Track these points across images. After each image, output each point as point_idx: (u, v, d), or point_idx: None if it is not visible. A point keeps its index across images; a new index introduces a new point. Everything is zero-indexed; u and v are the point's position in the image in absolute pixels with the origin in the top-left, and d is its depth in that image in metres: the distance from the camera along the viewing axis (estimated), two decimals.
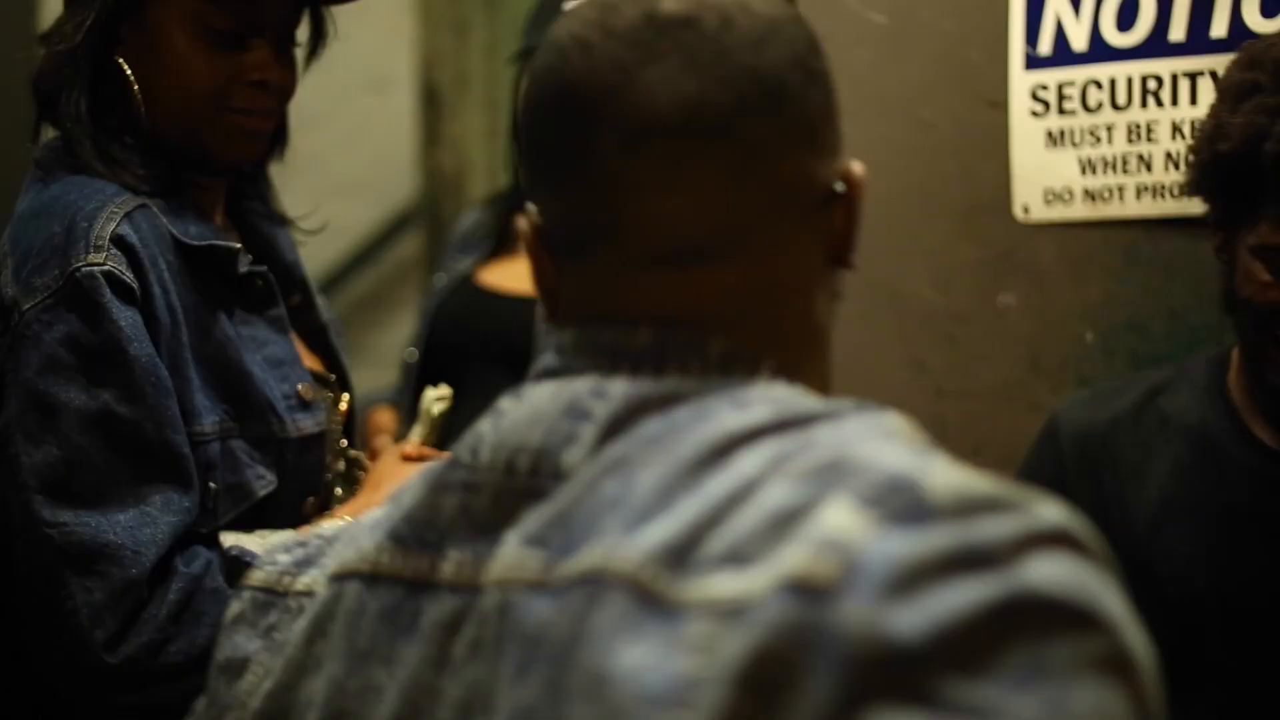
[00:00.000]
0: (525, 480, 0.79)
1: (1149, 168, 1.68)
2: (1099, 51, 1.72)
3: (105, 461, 1.34)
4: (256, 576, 0.95)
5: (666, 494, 0.72)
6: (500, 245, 2.38)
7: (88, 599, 1.31)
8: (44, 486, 1.32)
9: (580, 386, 0.80)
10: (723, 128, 0.81)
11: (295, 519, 1.50)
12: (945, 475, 0.67)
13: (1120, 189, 1.71)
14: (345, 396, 1.64)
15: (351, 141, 3.93)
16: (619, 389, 0.79)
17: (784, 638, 0.63)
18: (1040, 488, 0.70)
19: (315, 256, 3.88)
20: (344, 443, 1.63)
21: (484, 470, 0.81)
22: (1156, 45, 1.68)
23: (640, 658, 0.67)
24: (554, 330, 0.86)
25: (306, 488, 1.52)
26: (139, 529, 1.33)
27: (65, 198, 1.40)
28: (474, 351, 2.28)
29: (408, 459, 1.55)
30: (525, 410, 0.82)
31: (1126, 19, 1.70)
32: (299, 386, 1.50)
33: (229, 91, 1.46)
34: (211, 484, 1.41)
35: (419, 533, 0.81)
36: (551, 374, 0.84)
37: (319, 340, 1.66)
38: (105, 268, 1.34)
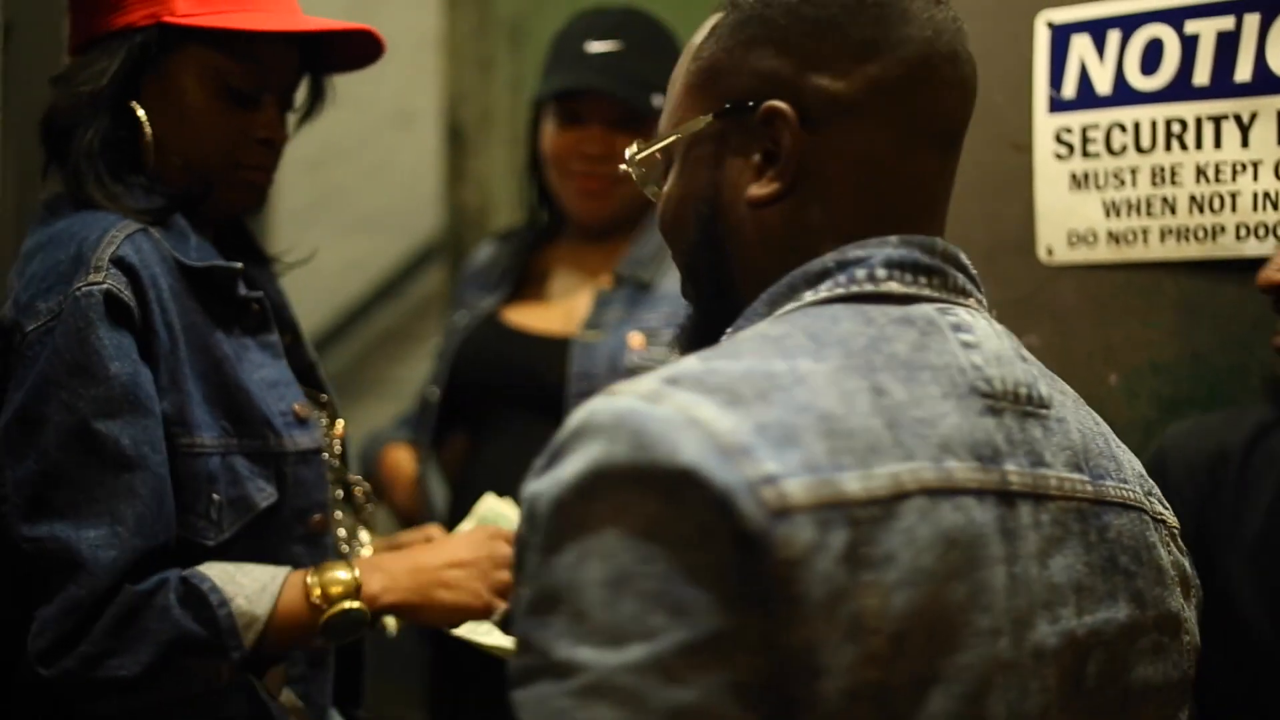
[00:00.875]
0: (1028, 407, 1.01)
1: (1173, 211, 1.68)
2: (1123, 95, 1.72)
3: (81, 476, 1.37)
4: (798, 495, 0.85)
5: (1112, 443, 1.10)
6: (523, 283, 2.37)
7: (41, 611, 1.35)
8: (23, 500, 1.36)
9: (1000, 328, 1.06)
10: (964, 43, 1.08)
11: (300, 535, 1.52)
12: None
13: (1144, 231, 1.71)
14: (340, 422, 1.66)
15: (376, 177, 3.96)
16: (1004, 330, 1.08)
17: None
18: None
19: (339, 291, 3.92)
20: (341, 468, 1.65)
21: (1001, 398, 0.99)
22: (1181, 89, 1.68)
23: (1165, 554, 1.08)
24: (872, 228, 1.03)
25: (308, 503, 1.53)
26: (104, 549, 1.36)
27: (70, 229, 1.44)
28: (501, 391, 2.26)
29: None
30: (992, 347, 1.02)
31: (1150, 62, 1.70)
32: (295, 405, 1.53)
33: (239, 147, 1.53)
34: (215, 495, 1.43)
35: (983, 451, 0.95)
36: (919, 272, 1.03)
37: (309, 376, 1.69)
38: (104, 286, 1.38)
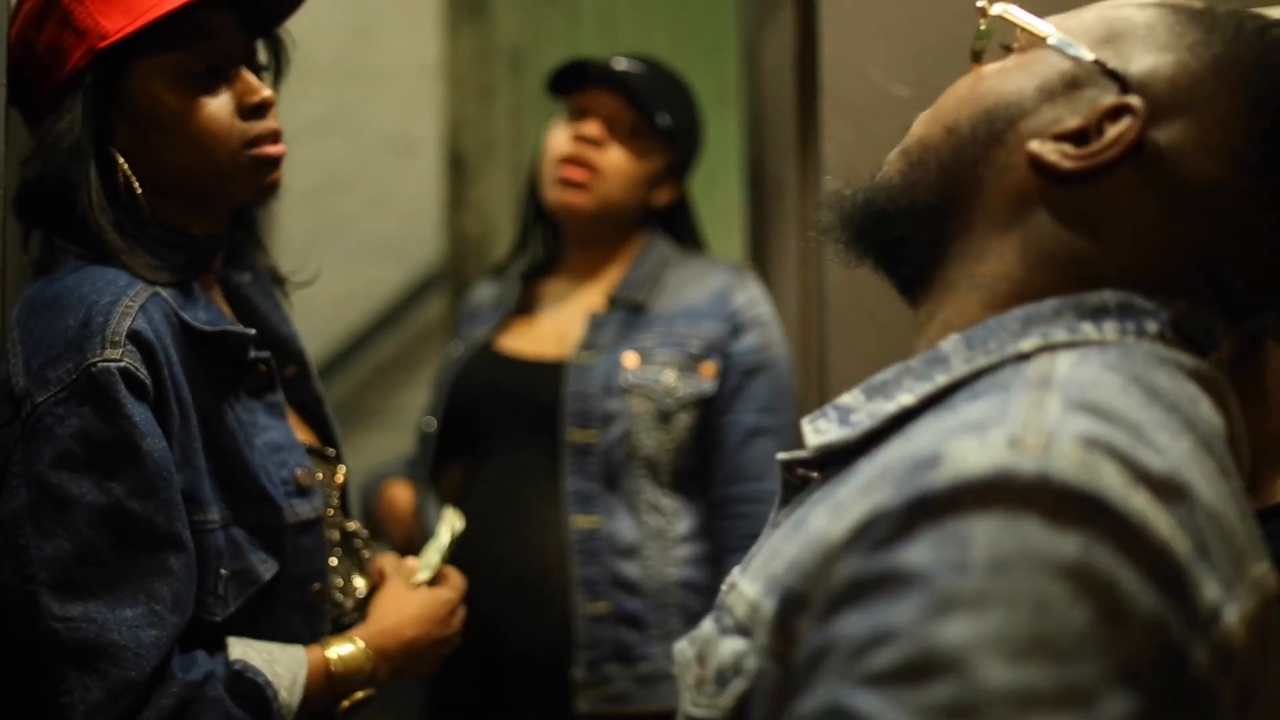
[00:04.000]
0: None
1: None
2: None
3: (115, 557, 1.33)
4: (1240, 636, 0.75)
5: None
6: (517, 313, 2.38)
7: (85, 696, 1.31)
8: (53, 580, 1.32)
9: None
10: None
11: (299, 605, 1.51)
12: None
13: None
14: (340, 469, 1.64)
15: (377, 205, 3.96)
16: None
17: None
18: None
19: (340, 319, 3.93)
20: (339, 516, 1.64)
21: (1237, 478, 0.87)
22: None
23: None
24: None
25: (307, 573, 1.52)
26: (144, 629, 1.33)
27: (79, 290, 1.39)
28: (497, 416, 2.28)
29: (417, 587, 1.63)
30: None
31: None
32: (297, 472, 1.50)
33: (236, 127, 1.47)
34: (222, 570, 1.42)
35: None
36: (1193, 345, 0.91)
37: (313, 412, 1.67)
38: (122, 364, 1.34)
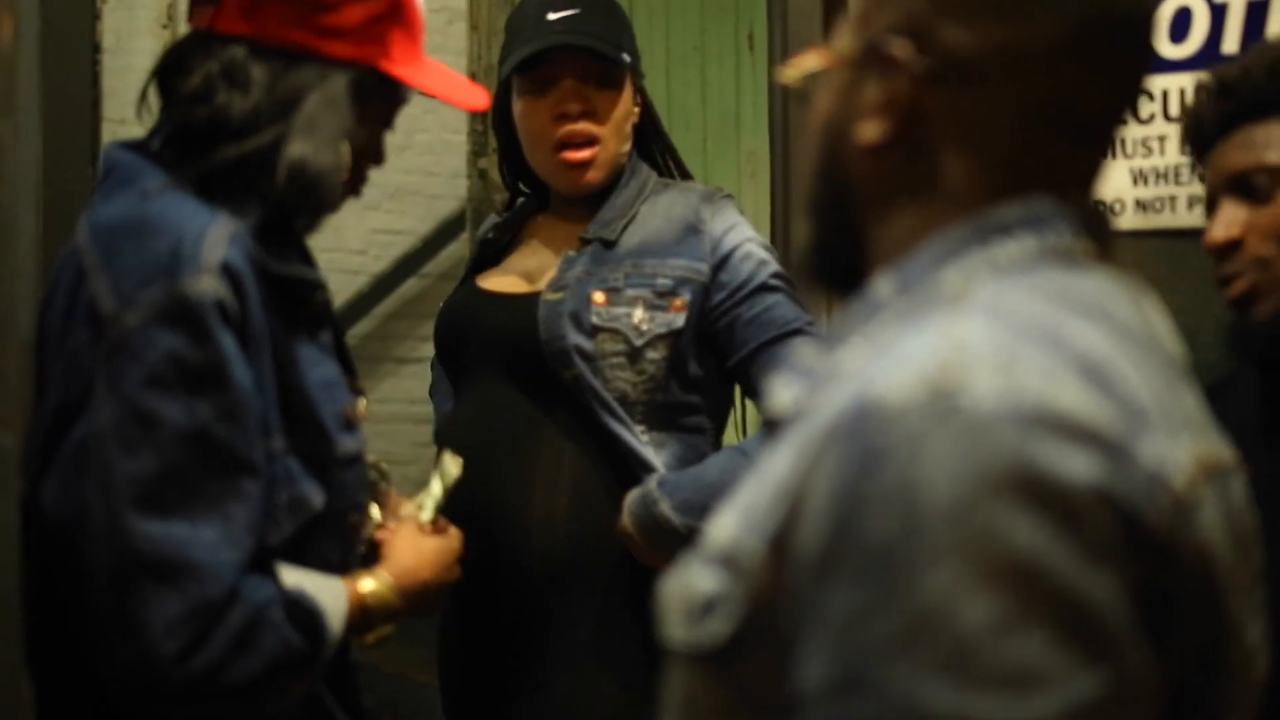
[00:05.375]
0: (1188, 378, 0.94)
1: (1201, 178, 1.69)
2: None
3: (199, 478, 1.37)
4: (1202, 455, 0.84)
5: None
6: (504, 253, 2.38)
7: (164, 610, 1.34)
8: (137, 496, 1.35)
9: None
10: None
11: (337, 536, 1.55)
12: None
13: (1172, 199, 1.71)
14: (361, 401, 1.68)
15: (403, 150, 3.98)
16: None
17: None
18: None
19: (366, 262, 3.93)
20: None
21: (1185, 373, 0.94)
22: (1209, 57, 1.68)
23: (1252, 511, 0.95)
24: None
25: (348, 504, 1.56)
26: (222, 549, 1.37)
27: (166, 217, 1.43)
28: (474, 350, 2.30)
29: (425, 533, 1.71)
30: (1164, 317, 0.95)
31: (1179, 30, 1.70)
32: (346, 407, 1.54)
33: (363, 169, 1.64)
34: (280, 497, 1.46)
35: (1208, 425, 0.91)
36: (1094, 238, 0.94)
37: (336, 345, 1.70)
38: (217, 293, 1.38)
